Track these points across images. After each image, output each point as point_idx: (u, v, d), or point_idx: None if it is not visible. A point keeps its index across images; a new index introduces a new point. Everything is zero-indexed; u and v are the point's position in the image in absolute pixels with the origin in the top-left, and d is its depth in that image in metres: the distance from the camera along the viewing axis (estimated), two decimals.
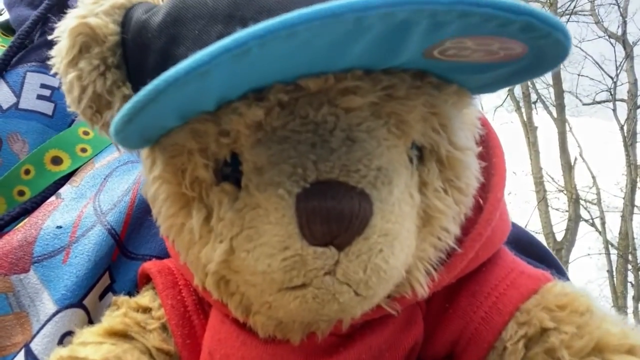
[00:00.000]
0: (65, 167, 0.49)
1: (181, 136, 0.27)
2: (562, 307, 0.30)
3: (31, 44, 0.57)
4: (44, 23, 0.58)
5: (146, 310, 0.35)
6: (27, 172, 0.48)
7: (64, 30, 0.30)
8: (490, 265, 0.32)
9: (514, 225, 0.40)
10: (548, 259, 0.40)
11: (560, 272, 0.36)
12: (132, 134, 0.24)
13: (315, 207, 0.23)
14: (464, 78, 0.27)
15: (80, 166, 0.50)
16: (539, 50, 0.22)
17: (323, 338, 0.29)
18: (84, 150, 0.50)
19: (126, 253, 0.42)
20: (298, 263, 0.24)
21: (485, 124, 0.33)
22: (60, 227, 0.43)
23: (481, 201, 0.30)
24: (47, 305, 0.40)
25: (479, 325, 0.30)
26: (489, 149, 0.32)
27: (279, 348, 0.30)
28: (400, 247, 0.25)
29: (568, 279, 0.34)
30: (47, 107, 0.53)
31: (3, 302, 0.41)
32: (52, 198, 0.47)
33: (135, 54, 0.29)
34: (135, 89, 0.29)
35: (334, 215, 0.23)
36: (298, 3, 0.24)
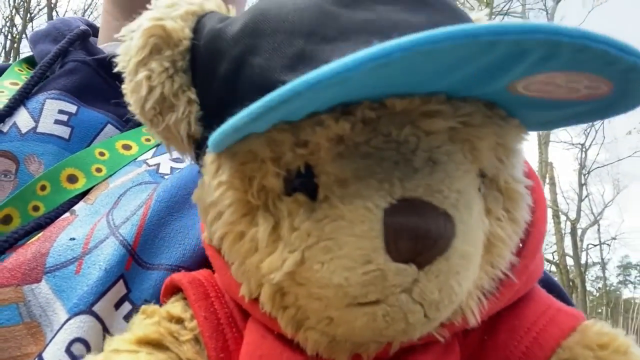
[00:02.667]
0: (80, 185, 0.50)
1: (257, 143, 0.26)
2: (604, 347, 0.29)
3: (52, 75, 0.59)
4: (65, 55, 0.61)
5: (179, 320, 0.34)
6: (43, 188, 0.49)
7: (135, 30, 0.30)
8: (527, 300, 0.32)
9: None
10: (566, 301, 0.39)
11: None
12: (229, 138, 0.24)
13: (404, 223, 0.23)
14: (528, 113, 0.27)
15: (95, 185, 0.50)
16: (623, 91, 0.21)
17: None
18: (99, 170, 0.51)
19: (140, 263, 0.42)
20: (378, 278, 0.23)
21: (532, 175, 0.33)
22: (74, 239, 0.43)
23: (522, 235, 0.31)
24: (59, 315, 0.40)
25: (519, 357, 0.30)
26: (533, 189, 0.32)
27: None
28: (473, 272, 0.25)
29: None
30: (64, 131, 0.54)
31: (14, 312, 0.40)
32: (67, 214, 0.47)
33: (206, 60, 0.29)
34: (201, 95, 0.30)
35: (421, 233, 0.22)
36: (380, 27, 0.25)
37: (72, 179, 0.50)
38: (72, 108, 0.56)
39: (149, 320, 0.34)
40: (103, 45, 0.66)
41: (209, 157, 0.29)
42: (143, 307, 0.36)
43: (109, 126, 0.56)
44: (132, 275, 0.42)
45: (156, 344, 0.32)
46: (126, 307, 0.40)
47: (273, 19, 0.27)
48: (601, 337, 0.30)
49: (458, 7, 0.29)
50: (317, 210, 0.25)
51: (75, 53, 0.61)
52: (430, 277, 0.23)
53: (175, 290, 0.37)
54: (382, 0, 0.27)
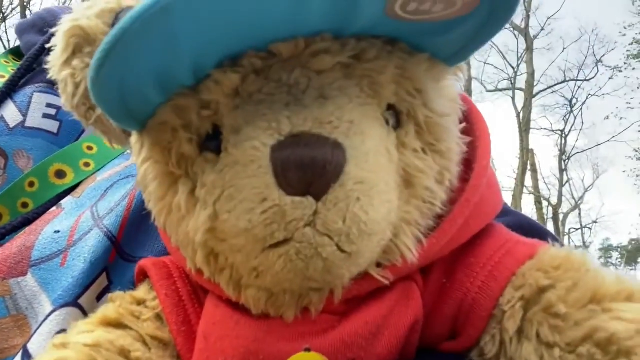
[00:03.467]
0: (69, 180, 0.51)
1: (165, 113, 0.27)
2: (558, 267, 0.29)
3: (39, 67, 0.58)
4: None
5: (140, 302, 0.36)
6: (32, 184, 0.49)
7: (58, 34, 0.32)
8: (485, 238, 0.32)
9: (516, 213, 0.41)
10: (543, 232, 0.40)
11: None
12: (112, 96, 0.25)
13: (290, 155, 0.24)
14: (432, 43, 0.28)
15: (83, 180, 0.51)
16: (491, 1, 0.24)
17: (317, 315, 0.29)
18: (87, 164, 0.52)
19: (123, 255, 0.43)
20: (277, 215, 0.24)
21: (466, 101, 0.34)
22: (58, 231, 0.44)
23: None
24: (45, 307, 0.41)
25: (477, 294, 0.30)
26: (472, 125, 0.33)
27: (273, 325, 0.29)
28: (379, 200, 0.25)
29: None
30: (52, 125, 0.54)
31: (0, 306, 0.41)
32: (53, 208, 0.48)
33: None
34: None
35: (307, 162, 0.23)
36: None
37: (61, 174, 0.50)
38: (60, 101, 0.56)
39: (110, 304, 0.36)
40: None
41: (133, 138, 0.31)
42: (109, 294, 0.37)
43: None
44: (115, 267, 0.43)
45: (115, 324, 0.34)
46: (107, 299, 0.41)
47: None
48: (555, 260, 0.30)
49: None
50: (219, 162, 0.26)
51: None
52: (329, 206, 0.24)
53: (143, 276, 0.38)
54: None
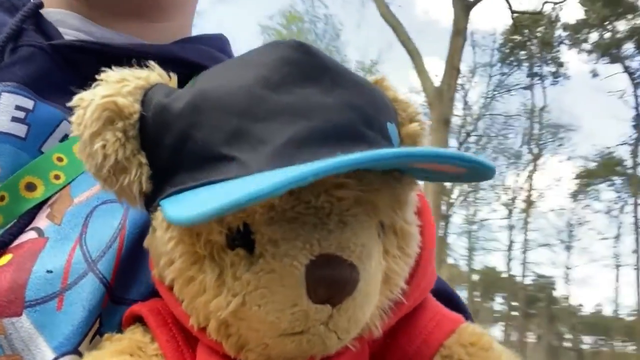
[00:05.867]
0: (39, 194, 0.49)
1: None
2: (473, 344, 0.38)
3: (3, 62, 0.55)
4: (18, 37, 0.57)
5: (141, 343, 0.39)
6: (2, 198, 0.47)
7: (88, 103, 0.34)
8: (421, 309, 0.40)
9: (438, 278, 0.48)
10: (461, 307, 0.50)
11: (468, 316, 0.45)
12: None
13: (321, 274, 0.30)
14: (418, 173, 0.35)
15: (54, 193, 0.49)
16: (474, 170, 0.31)
17: None
18: (57, 177, 0.50)
19: (114, 299, 0.44)
20: (302, 316, 0.30)
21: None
22: (51, 271, 0.43)
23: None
24: (44, 351, 0.41)
25: (413, 357, 0.38)
26: (420, 214, 0.39)
27: None
28: (374, 303, 0.33)
29: (472, 321, 0.43)
30: (20, 130, 0.51)
31: None
32: (33, 234, 0.46)
33: (154, 129, 0.34)
34: (150, 158, 0.35)
35: (334, 282, 0.30)
36: (299, 109, 0.32)
37: (31, 187, 0.49)
38: (29, 103, 0.52)
39: (117, 342, 0.39)
40: (52, 10, 0.61)
41: (160, 215, 0.34)
42: (106, 335, 0.40)
43: (65, 123, 0.53)
44: (106, 310, 0.44)
45: (129, 352, 0.38)
46: (98, 340, 0.42)
47: (211, 99, 0.33)
48: (472, 337, 0.39)
49: (361, 81, 0.37)
50: (254, 264, 0.31)
51: (29, 34, 0.57)
52: (341, 312, 0.31)
53: (133, 320, 0.41)
54: (300, 84, 0.33)
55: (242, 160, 0.31)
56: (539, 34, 15.59)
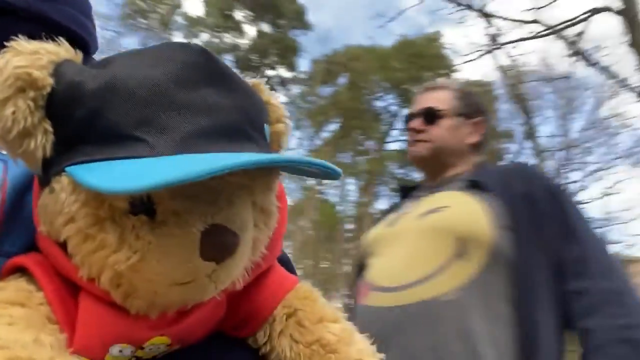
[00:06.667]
0: None
1: None
2: (306, 297, 0.49)
3: None
4: None
5: (26, 292, 0.41)
6: None
7: (3, 72, 0.37)
8: (270, 270, 0.50)
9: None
10: (292, 269, 0.60)
11: (297, 277, 0.56)
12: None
13: (212, 240, 0.37)
14: (286, 167, 0.42)
15: None
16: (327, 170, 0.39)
17: (171, 315, 0.41)
18: None
19: None
20: (193, 270, 0.37)
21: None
22: None
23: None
24: None
25: (261, 305, 0.48)
26: (279, 198, 0.48)
27: (141, 319, 0.40)
28: (244, 263, 0.42)
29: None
30: None
31: None
32: None
33: (64, 102, 0.38)
34: (55, 127, 0.38)
35: (222, 246, 0.38)
36: (199, 107, 0.38)
37: None
38: None
39: (2, 291, 0.41)
40: None
41: (65, 179, 0.38)
42: None
43: None
44: None
45: (19, 304, 0.40)
46: None
47: (125, 86, 0.37)
48: (305, 292, 0.50)
49: (248, 87, 0.44)
50: (157, 228, 0.37)
51: None
52: (223, 268, 0.39)
53: (14, 271, 0.43)
54: (203, 85, 0.39)
55: (150, 143, 0.36)
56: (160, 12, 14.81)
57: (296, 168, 0.41)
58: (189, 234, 0.37)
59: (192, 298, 0.40)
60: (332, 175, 0.40)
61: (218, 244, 0.38)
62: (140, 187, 0.31)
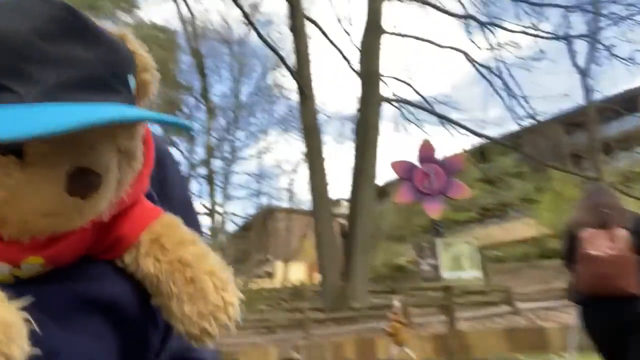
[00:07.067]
0: None
1: None
2: (168, 225, 0.55)
3: None
4: None
5: None
6: None
7: None
8: (137, 204, 0.55)
9: None
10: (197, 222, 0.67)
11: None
12: None
13: (78, 178, 0.42)
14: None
15: None
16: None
17: (42, 240, 0.46)
18: None
19: None
20: (60, 204, 0.43)
21: (146, 131, 0.55)
22: None
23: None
24: None
25: (128, 231, 0.53)
26: (145, 142, 0.54)
27: (15, 244, 0.45)
28: (108, 198, 0.47)
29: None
30: None
31: None
32: None
33: None
34: None
35: (86, 184, 0.43)
36: (63, 60, 0.41)
37: None
38: None
39: None
40: None
41: None
42: None
43: None
44: None
45: None
46: None
47: None
48: (168, 220, 0.56)
49: (112, 39, 0.47)
50: (26, 168, 0.42)
51: None
52: (88, 203, 0.45)
53: None
54: (67, 39, 0.42)
55: (18, 92, 0.39)
56: None
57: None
58: (56, 173, 0.42)
59: (60, 227, 0.45)
60: (184, 129, 0.45)
61: (83, 182, 0.43)
62: (12, 136, 0.35)
